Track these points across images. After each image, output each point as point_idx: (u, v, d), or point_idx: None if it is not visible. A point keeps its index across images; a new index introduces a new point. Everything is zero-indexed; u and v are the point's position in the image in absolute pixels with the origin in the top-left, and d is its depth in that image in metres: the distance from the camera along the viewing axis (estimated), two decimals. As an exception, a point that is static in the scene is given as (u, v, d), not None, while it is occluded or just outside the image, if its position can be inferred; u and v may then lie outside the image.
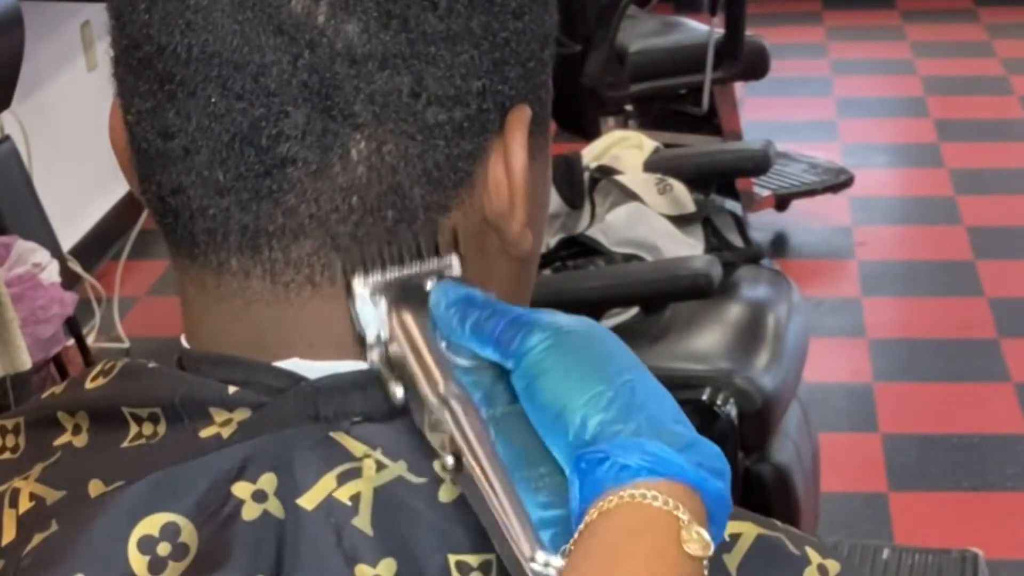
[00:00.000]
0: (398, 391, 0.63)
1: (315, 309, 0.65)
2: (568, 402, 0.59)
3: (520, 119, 0.67)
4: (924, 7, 6.26)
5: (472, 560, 0.62)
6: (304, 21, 0.62)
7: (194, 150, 0.64)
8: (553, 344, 0.61)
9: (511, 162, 0.66)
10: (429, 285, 0.65)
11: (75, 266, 3.65)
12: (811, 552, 0.67)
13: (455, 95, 0.64)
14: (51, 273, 3.02)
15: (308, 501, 0.63)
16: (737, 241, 2.73)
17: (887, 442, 3.25)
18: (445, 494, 0.63)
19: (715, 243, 2.71)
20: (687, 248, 2.62)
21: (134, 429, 0.68)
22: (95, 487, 0.66)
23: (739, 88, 4.49)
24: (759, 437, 2.37)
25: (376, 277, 0.64)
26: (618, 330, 2.47)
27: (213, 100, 0.63)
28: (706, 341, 2.47)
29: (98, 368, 0.72)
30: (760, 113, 5.02)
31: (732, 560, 0.65)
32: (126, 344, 3.68)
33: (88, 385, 0.71)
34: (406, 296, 0.64)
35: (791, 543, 0.67)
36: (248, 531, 0.62)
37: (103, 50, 4.50)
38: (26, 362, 2.66)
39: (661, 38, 4.01)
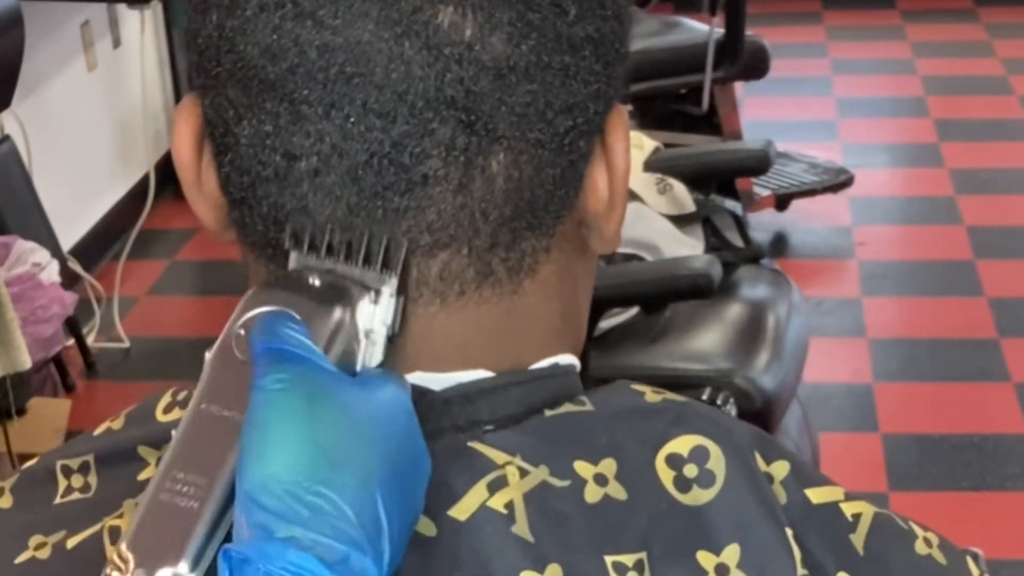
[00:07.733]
0: (207, 355, 0.61)
1: (441, 323, 0.64)
2: (246, 462, 0.55)
3: (621, 120, 0.66)
4: (924, 7, 6.26)
5: (627, 560, 0.61)
6: (452, 36, 0.60)
7: (324, 171, 0.61)
8: (280, 390, 0.57)
9: (615, 163, 0.66)
10: (314, 280, 0.62)
11: (75, 266, 3.65)
12: (915, 527, 0.69)
13: (579, 102, 0.64)
14: (51, 273, 3.02)
15: (461, 512, 0.61)
16: (737, 241, 2.74)
17: (887, 442, 3.25)
18: (591, 495, 0.62)
19: (715, 243, 2.71)
20: (687, 248, 2.62)
21: None
22: None
23: (739, 88, 4.49)
24: (759, 437, 2.37)
25: (312, 260, 0.62)
26: (618, 330, 2.49)
27: (351, 120, 0.60)
28: (706, 341, 2.47)
29: (166, 399, 0.70)
30: (760, 113, 5.02)
31: (858, 539, 0.66)
32: (126, 344, 3.68)
33: (162, 418, 0.69)
34: (279, 286, 0.62)
35: (898, 519, 0.68)
36: None
37: (103, 50, 4.50)
38: (26, 362, 2.67)
39: (661, 38, 4.01)
